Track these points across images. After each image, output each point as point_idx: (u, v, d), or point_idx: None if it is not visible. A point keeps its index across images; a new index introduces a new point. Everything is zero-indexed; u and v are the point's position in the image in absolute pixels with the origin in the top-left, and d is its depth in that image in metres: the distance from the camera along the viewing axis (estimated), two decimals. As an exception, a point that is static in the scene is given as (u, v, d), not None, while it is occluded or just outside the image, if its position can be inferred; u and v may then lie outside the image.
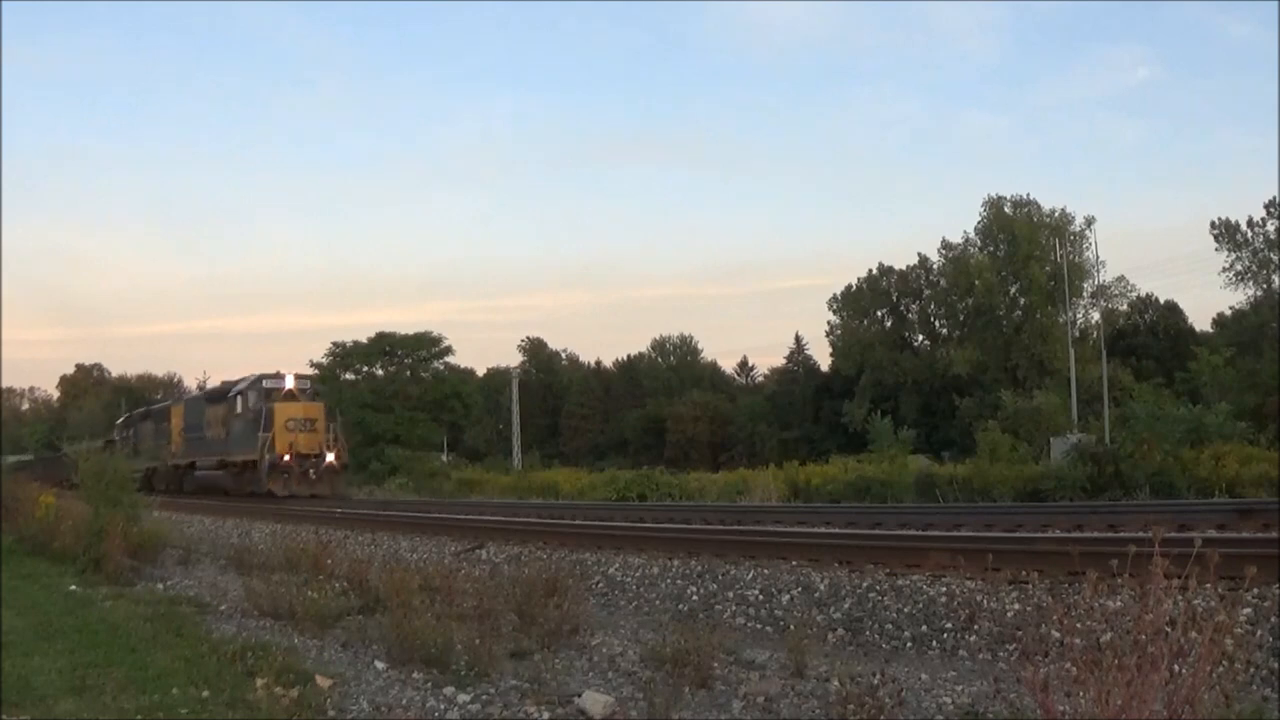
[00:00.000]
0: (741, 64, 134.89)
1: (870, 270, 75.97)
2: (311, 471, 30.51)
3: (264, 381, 32.72)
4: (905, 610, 7.76)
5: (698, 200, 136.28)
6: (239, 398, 32.98)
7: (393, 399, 57.96)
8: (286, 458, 30.21)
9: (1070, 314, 60.83)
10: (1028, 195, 66.95)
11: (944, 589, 7.82)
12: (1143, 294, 69.45)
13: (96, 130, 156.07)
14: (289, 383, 32.66)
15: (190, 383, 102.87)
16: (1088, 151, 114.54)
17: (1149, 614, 3.37)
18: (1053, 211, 65.88)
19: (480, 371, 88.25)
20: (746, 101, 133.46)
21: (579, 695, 5.48)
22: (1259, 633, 5.95)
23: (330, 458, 31.20)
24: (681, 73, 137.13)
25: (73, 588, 10.69)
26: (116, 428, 51.86)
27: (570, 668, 6.51)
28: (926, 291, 73.91)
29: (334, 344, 62.81)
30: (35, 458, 63.38)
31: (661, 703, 5.32)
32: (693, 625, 6.64)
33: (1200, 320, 70.79)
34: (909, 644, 7.34)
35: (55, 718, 5.11)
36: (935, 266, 72.47)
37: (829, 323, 76.74)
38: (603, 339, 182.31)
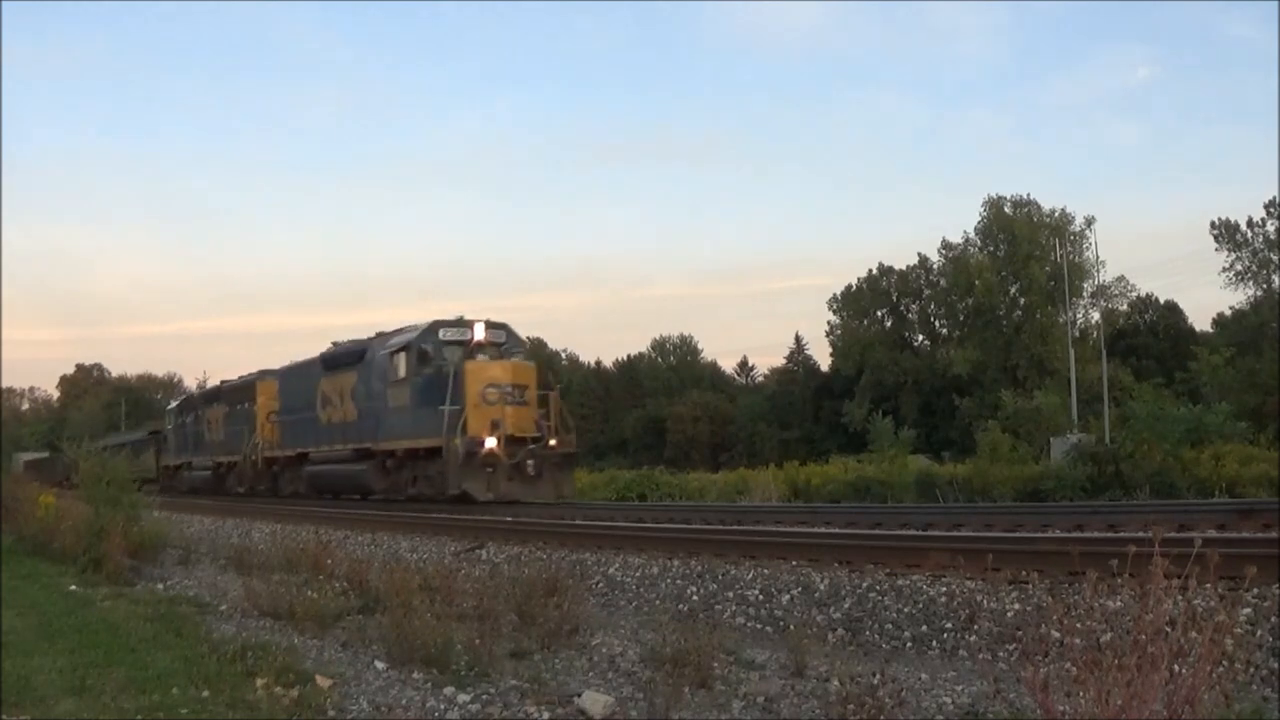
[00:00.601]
0: (741, 64, 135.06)
1: (870, 270, 76.12)
2: (529, 465, 20.11)
3: (441, 330, 21.97)
4: (905, 610, 7.75)
5: (698, 200, 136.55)
6: (400, 356, 22.35)
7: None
8: (491, 443, 19.70)
9: (1070, 314, 60.90)
10: (1028, 195, 67.11)
11: (944, 589, 7.81)
12: (1143, 294, 69.57)
13: (96, 130, 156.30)
14: (479, 332, 21.61)
15: (190, 383, 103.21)
16: (1088, 151, 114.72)
17: (1149, 614, 3.37)
18: (1053, 211, 65.99)
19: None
20: (746, 101, 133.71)
21: (579, 695, 5.48)
22: (1259, 633, 5.94)
23: (553, 443, 20.76)
24: (681, 73, 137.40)
25: (73, 588, 10.68)
26: (169, 414, 43.53)
27: (570, 668, 6.51)
28: (926, 291, 73.96)
29: (334, 344, 62.87)
30: (50, 456, 61.35)
31: (661, 703, 5.32)
32: (693, 625, 6.63)
33: (1200, 320, 70.90)
34: (909, 644, 7.33)
35: (55, 718, 5.11)
36: (935, 266, 72.54)
37: (829, 323, 76.92)
38: (603, 339, 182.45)
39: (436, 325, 21.99)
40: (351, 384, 24.73)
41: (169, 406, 45.74)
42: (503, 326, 22.58)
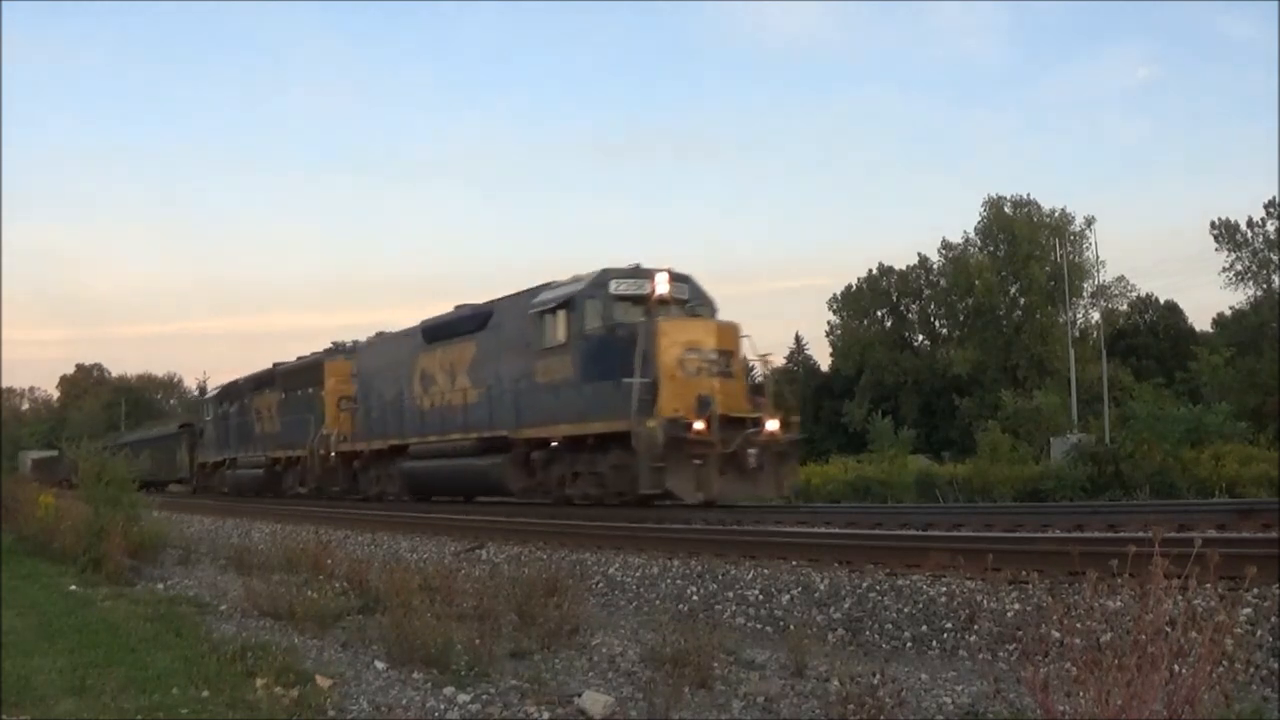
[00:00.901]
0: (741, 64, 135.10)
1: (870, 270, 76.03)
2: (750, 455, 15.48)
3: (612, 282, 17.08)
4: (905, 610, 7.76)
5: (698, 200, 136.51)
6: (558, 316, 17.39)
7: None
8: (698, 425, 15.01)
9: (1070, 314, 60.86)
10: (1028, 195, 67.04)
11: (944, 589, 7.81)
12: (1143, 294, 69.55)
13: (96, 130, 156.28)
14: (662, 284, 16.90)
15: (190, 383, 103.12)
16: (1088, 151, 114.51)
17: (1149, 614, 3.37)
18: (1053, 211, 65.93)
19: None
20: (746, 101, 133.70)
21: (579, 695, 5.48)
22: (1259, 633, 5.94)
23: (772, 426, 15.87)
24: (681, 73, 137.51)
25: (73, 588, 10.68)
26: (207, 404, 38.47)
27: (570, 668, 6.51)
28: (926, 291, 73.90)
29: (334, 343, 62.85)
30: (58, 455, 59.79)
31: (661, 703, 5.32)
32: (693, 625, 6.64)
33: (1200, 320, 70.83)
34: (909, 644, 7.34)
35: (55, 718, 5.11)
36: (935, 266, 72.48)
37: (829, 323, 76.85)
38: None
39: (606, 275, 17.12)
40: (469, 357, 20.10)
41: (207, 395, 39.55)
42: (687, 279, 17.80)
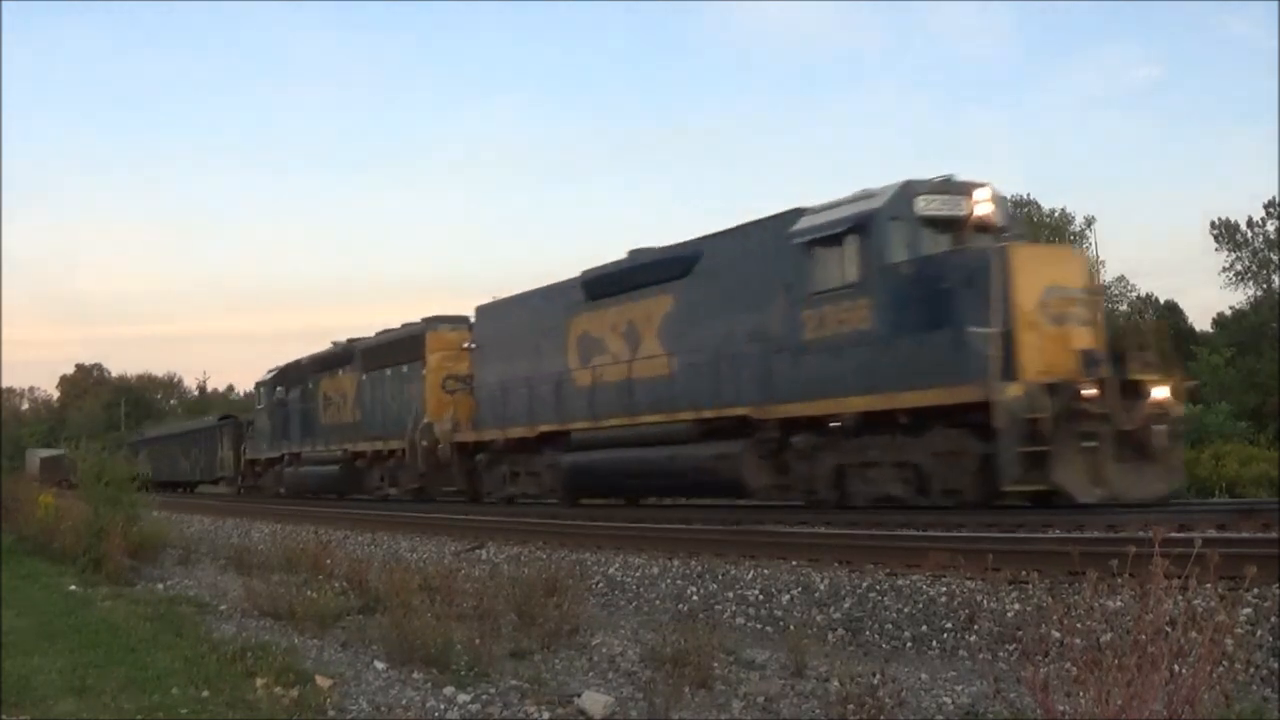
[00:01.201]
0: (741, 64, 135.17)
1: (870, 270, 76.03)
2: (1155, 432, 11.79)
3: (919, 199, 12.93)
4: (905, 610, 7.76)
5: (699, 200, 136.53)
6: (845, 246, 13.05)
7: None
8: (1088, 391, 11.24)
9: (1070, 314, 60.81)
10: (1028, 195, 66.98)
11: (944, 589, 7.82)
12: (1143, 294, 69.55)
13: (96, 130, 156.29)
14: (983, 204, 13.03)
15: (190, 383, 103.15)
16: (1088, 151, 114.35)
17: (1149, 614, 3.37)
18: (1053, 211, 65.85)
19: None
20: (746, 101, 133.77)
21: (579, 695, 5.48)
22: (1259, 633, 5.95)
23: (1161, 394, 11.96)
24: (680, 73, 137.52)
25: (73, 588, 10.69)
26: (260, 390, 32.87)
27: (570, 668, 6.52)
28: (926, 291, 73.92)
29: (334, 344, 62.84)
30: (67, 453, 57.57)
31: (661, 703, 5.32)
32: (693, 625, 6.64)
33: (1200, 320, 70.77)
34: (909, 644, 7.34)
35: (55, 718, 5.11)
36: (935, 266, 72.56)
37: (829, 323, 76.68)
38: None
39: (911, 189, 12.92)
40: (661, 314, 15.91)
41: (260, 379, 33.30)
42: (1004, 199, 13.95)
